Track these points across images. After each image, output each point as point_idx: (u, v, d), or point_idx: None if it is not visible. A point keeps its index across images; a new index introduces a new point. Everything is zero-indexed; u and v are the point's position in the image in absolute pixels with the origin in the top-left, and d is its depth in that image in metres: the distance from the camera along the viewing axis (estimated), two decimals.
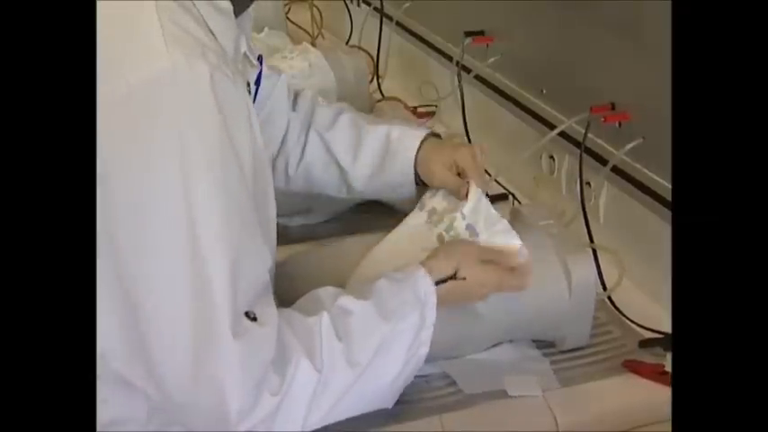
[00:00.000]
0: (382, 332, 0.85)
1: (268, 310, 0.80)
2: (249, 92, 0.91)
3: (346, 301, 0.86)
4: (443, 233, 1.00)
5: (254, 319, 0.78)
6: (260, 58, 0.99)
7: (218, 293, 0.74)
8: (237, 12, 0.85)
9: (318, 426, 0.82)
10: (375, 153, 1.10)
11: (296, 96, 1.16)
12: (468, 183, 1.02)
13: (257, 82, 0.99)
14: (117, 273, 0.74)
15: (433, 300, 0.89)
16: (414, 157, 1.09)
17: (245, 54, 0.88)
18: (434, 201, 1.05)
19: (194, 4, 0.78)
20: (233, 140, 0.75)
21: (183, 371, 0.76)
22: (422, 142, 1.10)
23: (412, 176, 1.09)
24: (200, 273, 0.74)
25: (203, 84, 0.72)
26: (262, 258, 0.81)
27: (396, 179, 1.10)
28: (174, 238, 0.73)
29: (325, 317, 0.83)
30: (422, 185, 1.10)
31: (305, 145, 1.12)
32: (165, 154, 0.72)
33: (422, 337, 0.88)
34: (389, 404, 0.89)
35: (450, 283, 0.91)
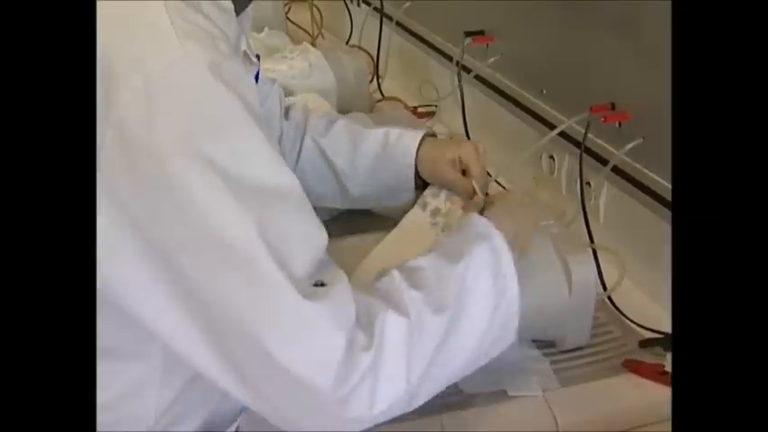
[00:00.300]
0: (458, 273, 0.82)
1: (335, 273, 0.77)
2: None
3: (411, 261, 0.83)
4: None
5: (323, 285, 0.75)
6: (257, 58, 0.99)
7: (265, 267, 0.71)
8: (238, 11, 0.85)
9: (426, 384, 0.78)
10: (373, 155, 1.10)
11: (287, 109, 1.16)
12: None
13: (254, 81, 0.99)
14: (183, 286, 0.72)
15: (494, 230, 0.85)
16: (414, 157, 1.08)
17: (245, 53, 0.88)
18: (438, 201, 1.05)
19: (201, 4, 0.78)
20: (254, 118, 0.74)
21: (261, 357, 0.71)
22: (420, 141, 1.09)
23: (413, 178, 1.09)
24: (236, 251, 0.70)
25: (218, 69, 0.72)
26: (314, 233, 0.78)
27: (395, 181, 1.10)
28: (199, 224, 0.71)
29: (395, 274, 0.80)
30: (421, 189, 1.10)
31: (299, 153, 1.11)
32: (184, 138, 0.70)
33: (503, 268, 0.84)
34: (483, 361, 0.84)
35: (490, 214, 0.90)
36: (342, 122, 1.13)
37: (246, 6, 0.89)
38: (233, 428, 0.91)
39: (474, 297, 0.82)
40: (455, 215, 1.01)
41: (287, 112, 1.15)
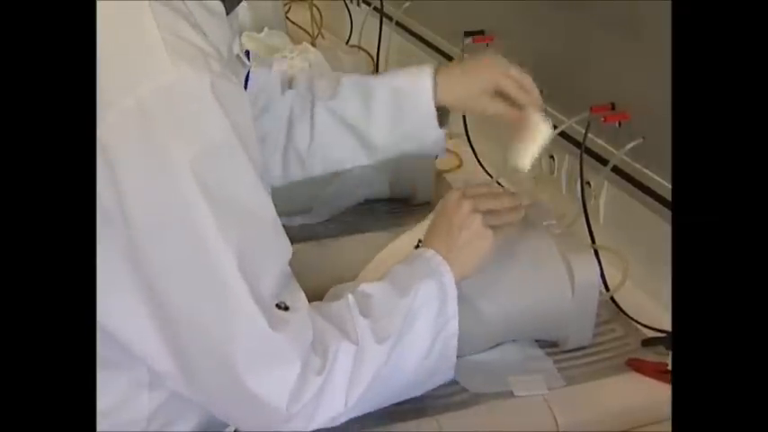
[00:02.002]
0: (403, 307, 0.86)
1: (297, 296, 0.81)
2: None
3: (364, 286, 0.88)
4: None
5: (287, 308, 0.79)
6: (247, 54, 0.99)
7: (241, 297, 0.75)
8: (228, 10, 0.85)
9: (360, 405, 0.83)
10: (388, 102, 1.06)
11: (291, 79, 1.13)
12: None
13: (245, 80, 0.98)
14: (149, 289, 0.75)
15: (446, 268, 0.89)
16: (432, 91, 1.04)
17: (237, 55, 0.88)
18: None
19: (190, 12, 0.78)
20: (242, 141, 0.75)
21: (223, 373, 0.77)
22: (435, 74, 1.05)
23: (434, 115, 1.04)
24: (216, 277, 0.74)
25: (209, 91, 0.72)
26: (282, 250, 0.81)
27: (418, 124, 1.05)
28: (187, 250, 0.74)
29: (350, 298, 0.85)
30: (449, 128, 1.07)
31: (312, 120, 1.08)
32: (175, 161, 0.71)
33: (447, 309, 0.88)
34: (420, 391, 0.90)
35: (449, 244, 0.91)
36: (348, 79, 1.10)
37: (236, 6, 0.89)
38: (231, 429, 0.91)
39: (415, 329, 0.86)
40: None
41: (290, 81, 1.12)
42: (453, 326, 0.88)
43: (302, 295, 0.82)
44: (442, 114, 1.06)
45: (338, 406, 0.81)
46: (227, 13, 0.85)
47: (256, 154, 0.79)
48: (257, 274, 0.76)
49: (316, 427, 0.80)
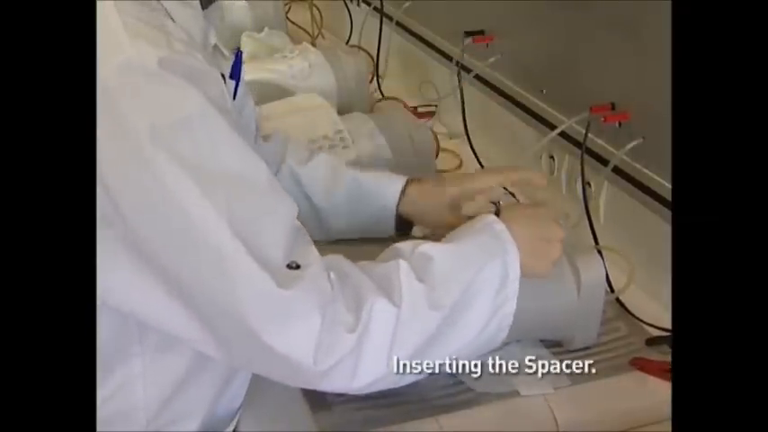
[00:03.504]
0: (465, 278, 0.84)
1: (309, 253, 0.79)
2: (225, 83, 0.90)
3: (426, 247, 0.85)
4: None
5: (298, 266, 0.77)
6: (239, 54, 0.98)
7: (241, 263, 0.74)
8: (204, 4, 0.85)
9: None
10: (352, 193, 1.07)
11: (266, 136, 1.12)
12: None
13: (235, 77, 0.97)
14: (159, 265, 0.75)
15: (513, 247, 0.87)
16: (397, 197, 1.06)
17: (215, 46, 0.87)
18: None
19: (160, 3, 0.78)
20: (219, 108, 0.75)
21: (246, 337, 0.76)
22: (405, 187, 1.06)
23: (392, 220, 1.07)
24: (210, 246, 0.73)
25: (169, 66, 0.72)
26: (283, 209, 0.80)
27: (378, 223, 1.07)
28: (175, 222, 0.73)
29: (402, 262, 0.83)
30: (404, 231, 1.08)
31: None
32: (143, 136, 0.71)
33: (507, 290, 0.86)
34: (481, 352, 0.88)
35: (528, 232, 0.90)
36: (322, 157, 1.10)
37: (213, 1, 0.88)
38: (231, 428, 0.91)
39: (473, 305, 0.84)
40: None
41: (266, 137, 1.12)
42: (511, 306, 0.86)
43: (313, 250, 0.80)
44: (404, 222, 1.08)
45: (380, 367, 0.79)
46: (204, 7, 0.85)
47: (239, 125, 0.78)
48: (257, 236, 0.75)
49: (359, 385, 0.79)
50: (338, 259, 0.84)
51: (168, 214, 0.73)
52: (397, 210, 1.07)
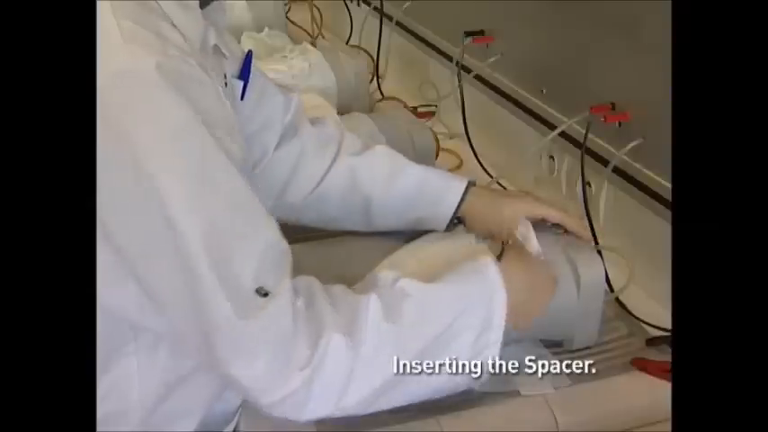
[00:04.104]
0: (442, 321, 0.82)
1: (280, 282, 0.78)
2: (225, 84, 0.89)
3: (406, 283, 0.84)
4: None
5: (266, 294, 0.77)
6: (249, 55, 0.98)
7: (207, 285, 0.74)
8: (203, 4, 0.84)
9: (357, 411, 0.81)
10: (411, 191, 1.05)
11: (317, 119, 1.10)
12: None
13: (244, 77, 0.97)
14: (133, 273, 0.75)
15: (502, 295, 0.85)
16: (459, 197, 1.04)
17: (215, 46, 0.87)
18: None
19: (157, 3, 0.78)
20: (207, 122, 0.74)
21: (209, 355, 0.77)
22: (466, 191, 1.05)
23: (445, 223, 1.05)
24: (183, 262, 0.73)
25: (162, 74, 0.72)
26: (261, 232, 0.79)
27: (431, 219, 1.06)
28: (153, 232, 0.73)
29: (373, 297, 0.81)
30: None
31: (328, 170, 1.05)
32: (134, 144, 0.71)
33: (489, 336, 0.84)
34: (442, 396, 0.86)
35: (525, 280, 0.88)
36: (382, 148, 1.08)
37: (212, 0, 0.88)
38: (230, 428, 0.91)
39: (446, 350, 0.83)
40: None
41: (316, 121, 1.10)
42: (492, 352, 0.85)
43: (287, 281, 0.79)
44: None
45: (329, 405, 0.79)
46: (202, 7, 0.85)
47: (228, 138, 0.77)
48: (228, 257, 0.75)
49: (310, 418, 0.80)
50: (311, 284, 0.83)
51: (146, 221, 0.73)
52: (453, 214, 1.05)
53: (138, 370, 0.83)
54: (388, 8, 1.86)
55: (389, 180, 1.05)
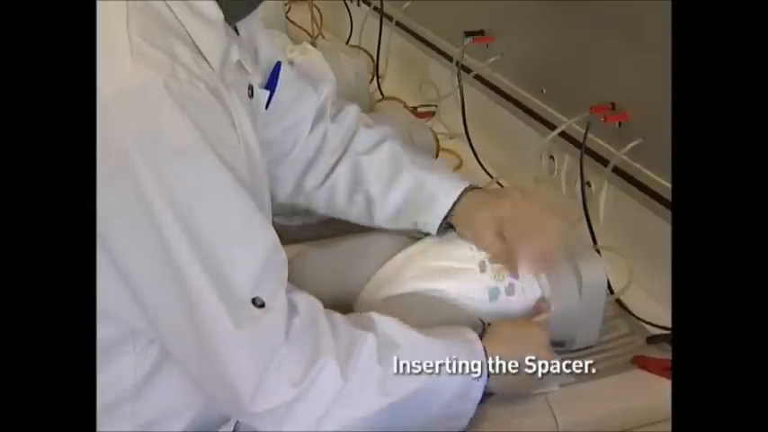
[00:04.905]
0: (422, 379, 0.85)
1: (277, 295, 0.80)
2: (251, 95, 0.90)
3: (397, 332, 0.86)
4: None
5: (262, 305, 0.78)
6: (278, 66, 0.98)
7: (204, 294, 0.75)
8: (231, 20, 0.84)
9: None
10: (407, 195, 1.05)
11: (339, 110, 1.11)
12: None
13: (270, 87, 0.97)
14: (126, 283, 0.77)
15: (483, 378, 0.88)
16: (447, 210, 1.03)
17: (238, 62, 0.86)
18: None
19: (176, 17, 0.77)
20: (212, 144, 0.75)
21: (194, 359, 0.80)
22: (461, 195, 1.04)
23: (438, 225, 1.05)
24: (178, 275, 0.75)
25: (167, 95, 0.72)
26: (260, 245, 0.80)
27: (423, 225, 1.06)
28: (145, 244, 0.74)
29: (371, 337, 0.84)
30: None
31: (336, 163, 1.07)
32: (133, 162, 0.72)
33: (465, 406, 0.88)
34: None
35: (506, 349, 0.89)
36: (389, 146, 1.08)
37: (243, 15, 0.87)
38: (230, 428, 0.91)
39: (423, 404, 0.85)
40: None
41: (337, 113, 1.10)
42: (462, 423, 0.89)
43: (282, 294, 0.81)
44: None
45: (309, 425, 0.81)
46: (233, 22, 0.85)
47: (234, 158, 0.78)
48: (227, 266, 0.76)
49: None
50: (313, 305, 0.84)
51: (142, 235, 0.74)
52: (443, 220, 1.04)
53: (134, 369, 0.83)
54: (388, 8, 1.86)
55: (388, 182, 1.06)
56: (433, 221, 1.04)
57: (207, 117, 0.75)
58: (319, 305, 0.85)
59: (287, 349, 0.79)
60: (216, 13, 0.81)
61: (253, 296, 0.78)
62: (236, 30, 0.88)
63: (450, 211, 1.03)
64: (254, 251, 0.79)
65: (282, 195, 1.10)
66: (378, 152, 1.07)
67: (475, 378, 0.87)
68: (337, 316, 0.85)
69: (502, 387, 0.91)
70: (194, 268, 0.75)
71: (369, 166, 1.07)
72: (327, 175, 1.08)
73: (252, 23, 0.91)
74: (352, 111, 1.11)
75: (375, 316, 0.87)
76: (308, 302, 0.84)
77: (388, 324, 0.87)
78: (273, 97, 0.99)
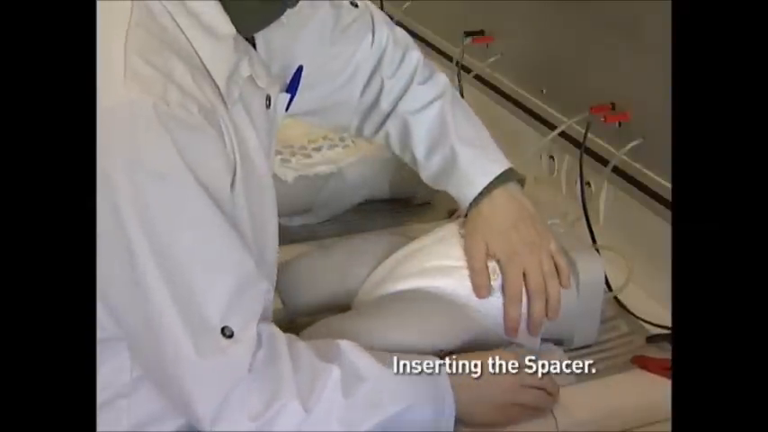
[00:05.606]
0: (388, 413, 0.83)
1: (248, 327, 0.79)
2: (269, 105, 0.89)
3: (364, 365, 0.84)
4: None
5: (231, 335, 0.78)
6: (300, 69, 0.97)
7: (169, 322, 0.76)
8: (245, 33, 0.83)
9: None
10: (444, 164, 1.06)
11: (403, 55, 1.11)
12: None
13: (291, 90, 0.96)
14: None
15: (450, 400, 0.86)
16: (473, 198, 1.04)
17: (250, 77, 0.85)
18: None
19: (181, 31, 0.77)
20: (194, 171, 0.75)
21: (157, 377, 0.81)
22: (493, 182, 1.04)
23: (467, 204, 1.05)
24: (146, 297, 0.75)
25: (155, 118, 0.72)
26: (234, 274, 0.79)
27: (457, 199, 1.07)
28: (116, 259, 0.75)
29: (335, 370, 0.82)
30: None
31: (386, 119, 1.09)
32: (114, 183, 0.72)
33: (440, 426, 0.86)
34: None
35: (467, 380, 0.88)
36: (437, 108, 1.08)
37: (259, 28, 0.86)
38: None
39: None
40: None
41: (402, 58, 1.10)
42: None
43: (253, 329, 0.80)
44: None
45: None
46: (248, 34, 0.84)
47: (220, 185, 0.78)
48: (196, 297, 0.76)
49: None
50: (274, 337, 0.82)
51: (114, 247, 0.74)
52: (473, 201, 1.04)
53: (131, 367, 0.83)
54: (388, 8, 1.86)
55: (430, 148, 1.07)
56: (462, 202, 1.05)
57: (193, 141, 0.75)
58: (280, 335, 0.83)
59: (248, 383, 0.78)
60: (226, 27, 0.79)
61: (222, 325, 0.77)
62: (253, 41, 0.87)
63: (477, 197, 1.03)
64: (227, 280, 0.78)
65: (354, 130, 1.13)
66: (425, 114, 1.08)
67: (444, 415, 0.86)
68: (301, 346, 0.83)
69: (477, 412, 0.89)
70: (160, 291, 0.75)
71: (414, 128, 1.08)
72: (379, 128, 1.10)
73: (275, 34, 0.89)
74: (414, 58, 1.10)
75: (342, 344, 0.85)
76: (270, 334, 0.82)
77: (354, 353, 0.84)
78: (294, 99, 0.97)
